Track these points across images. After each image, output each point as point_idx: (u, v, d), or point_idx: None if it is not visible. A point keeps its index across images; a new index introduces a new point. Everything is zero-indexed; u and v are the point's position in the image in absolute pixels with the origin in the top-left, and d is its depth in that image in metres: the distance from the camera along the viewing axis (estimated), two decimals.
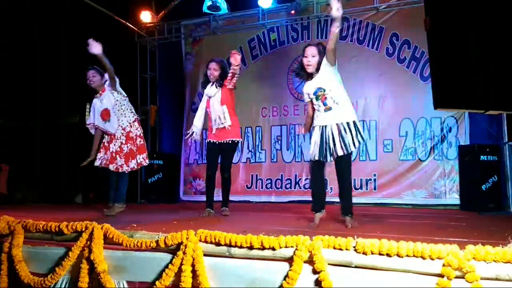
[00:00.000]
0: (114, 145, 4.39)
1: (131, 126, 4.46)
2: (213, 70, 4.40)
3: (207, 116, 4.53)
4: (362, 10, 6.33)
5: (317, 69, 3.60)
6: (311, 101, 3.68)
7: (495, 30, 1.64)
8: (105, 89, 4.46)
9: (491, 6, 1.64)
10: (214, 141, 4.41)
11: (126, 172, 4.40)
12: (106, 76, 4.45)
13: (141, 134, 4.55)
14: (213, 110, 4.40)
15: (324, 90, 3.55)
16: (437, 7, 1.68)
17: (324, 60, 3.56)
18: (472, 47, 1.62)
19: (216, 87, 4.40)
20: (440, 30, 1.65)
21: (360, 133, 3.57)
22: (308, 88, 3.66)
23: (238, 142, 4.49)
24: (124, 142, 4.40)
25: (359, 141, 3.56)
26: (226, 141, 4.40)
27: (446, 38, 1.62)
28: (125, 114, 4.45)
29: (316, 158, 3.56)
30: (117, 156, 4.37)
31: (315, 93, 3.58)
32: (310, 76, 3.65)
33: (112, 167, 4.36)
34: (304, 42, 6.67)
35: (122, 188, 4.47)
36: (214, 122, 4.40)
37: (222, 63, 4.50)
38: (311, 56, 3.58)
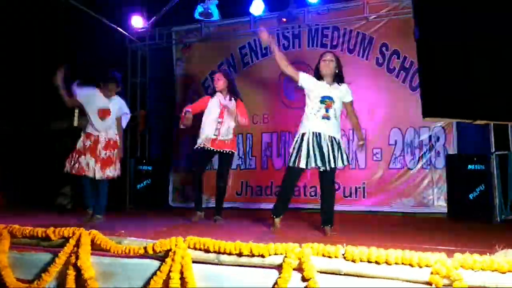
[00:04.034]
0: (95, 150, 4.32)
1: (115, 136, 4.47)
2: (217, 80, 4.53)
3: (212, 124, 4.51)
4: (352, 20, 6.38)
5: (333, 78, 3.68)
6: (309, 97, 3.73)
7: (484, 40, 1.67)
8: (115, 96, 4.48)
9: (481, 15, 1.67)
10: (211, 148, 4.43)
11: (104, 179, 4.33)
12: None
13: (119, 145, 4.52)
14: (226, 121, 4.44)
15: (333, 101, 3.64)
16: (427, 16, 1.71)
17: (349, 92, 3.79)
18: (461, 57, 1.65)
19: (230, 100, 4.48)
20: (429, 39, 1.67)
21: (346, 154, 3.74)
22: (322, 89, 3.69)
23: (234, 154, 4.56)
24: (103, 147, 4.35)
25: (347, 160, 3.67)
26: (225, 151, 4.45)
27: (435, 48, 1.64)
28: (117, 127, 4.46)
29: (303, 167, 3.59)
30: (95, 162, 4.29)
31: (323, 98, 3.63)
32: (321, 78, 3.72)
33: (89, 173, 4.28)
34: (295, 50, 6.73)
35: (103, 199, 4.39)
36: (220, 132, 4.42)
37: (226, 73, 4.76)
38: (329, 60, 3.69)
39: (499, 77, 1.61)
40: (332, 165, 3.57)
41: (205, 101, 4.62)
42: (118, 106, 4.52)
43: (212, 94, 4.60)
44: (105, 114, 4.42)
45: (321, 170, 3.63)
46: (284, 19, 6.69)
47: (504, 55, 1.65)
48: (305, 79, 3.74)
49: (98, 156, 4.30)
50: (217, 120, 4.45)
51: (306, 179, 6.15)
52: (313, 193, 6.24)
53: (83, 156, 4.31)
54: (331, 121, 3.65)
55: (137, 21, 7.38)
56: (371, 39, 6.29)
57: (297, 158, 3.61)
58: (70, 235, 2.70)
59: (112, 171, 4.35)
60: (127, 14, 7.38)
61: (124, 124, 4.58)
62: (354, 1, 6.40)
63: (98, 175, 4.28)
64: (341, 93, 3.73)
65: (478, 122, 1.65)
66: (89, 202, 4.43)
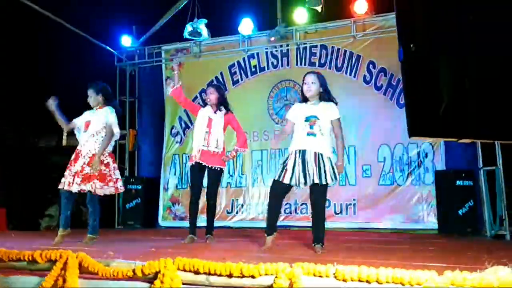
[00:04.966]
0: (78, 164, 4.22)
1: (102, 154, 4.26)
2: (209, 94, 4.59)
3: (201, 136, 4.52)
4: (340, 38, 6.48)
5: (320, 97, 3.75)
6: (297, 120, 3.77)
7: (467, 61, 1.71)
8: (102, 107, 4.42)
9: (463, 37, 1.71)
10: (201, 163, 4.41)
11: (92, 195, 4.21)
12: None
13: (110, 164, 4.33)
14: (213, 131, 4.46)
15: (318, 119, 3.68)
16: (410, 38, 1.74)
17: (335, 111, 3.74)
18: (445, 78, 1.68)
19: (216, 113, 4.50)
20: (413, 60, 1.70)
21: (334, 171, 3.66)
22: (303, 111, 3.74)
23: (223, 170, 4.55)
24: (86, 162, 4.22)
25: (333, 178, 3.65)
26: (214, 167, 4.43)
27: (419, 69, 1.67)
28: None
29: (287, 182, 3.61)
30: (76, 176, 4.17)
31: (307, 118, 3.68)
32: (306, 100, 3.77)
33: (73, 188, 4.14)
34: (284, 68, 6.80)
35: (95, 217, 4.28)
36: (209, 143, 4.42)
37: (218, 87, 4.77)
38: (311, 83, 3.74)
39: (483, 97, 1.64)
40: (316, 181, 3.55)
41: (196, 107, 4.71)
42: (101, 116, 4.36)
43: (203, 106, 4.69)
44: (86, 126, 4.37)
45: (310, 185, 3.62)
46: (273, 38, 6.77)
47: (488, 74, 1.69)
48: (292, 116, 3.85)
49: (79, 170, 4.19)
50: (205, 130, 4.49)
51: (296, 196, 6.17)
52: (304, 211, 6.23)
53: (66, 173, 4.25)
54: (317, 137, 3.65)
55: (126, 40, 7.42)
56: (358, 57, 6.38)
57: (283, 173, 3.66)
58: (57, 258, 2.65)
59: (89, 186, 4.15)
60: (115, 33, 7.41)
61: (109, 136, 4.31)
62: (341, 20, 6.51)
63: (75, 188, 4.16)
64: (327, 110, 3.73)
65: (463, 140, 1.67)
66: (62, 219, 4.26)
